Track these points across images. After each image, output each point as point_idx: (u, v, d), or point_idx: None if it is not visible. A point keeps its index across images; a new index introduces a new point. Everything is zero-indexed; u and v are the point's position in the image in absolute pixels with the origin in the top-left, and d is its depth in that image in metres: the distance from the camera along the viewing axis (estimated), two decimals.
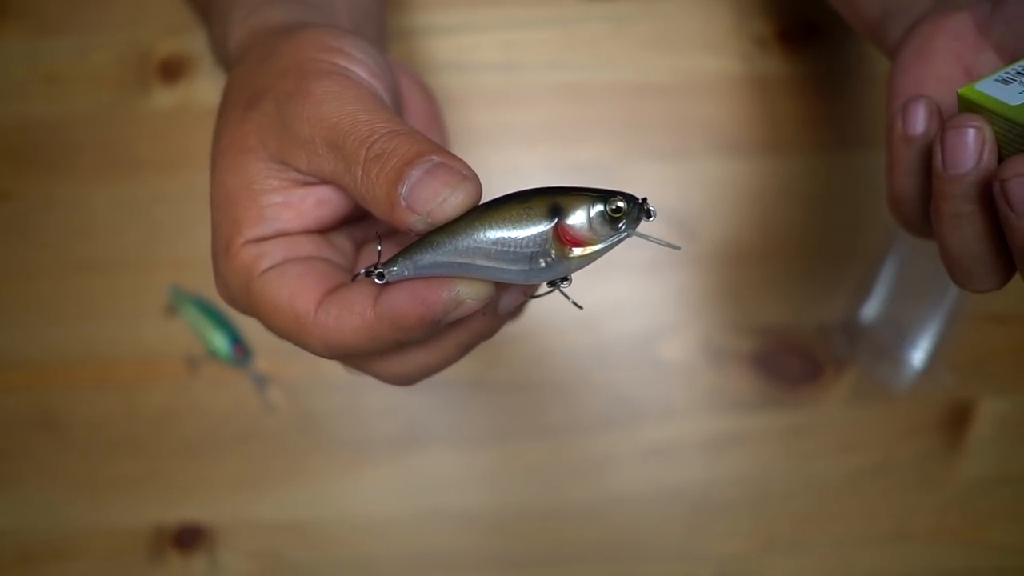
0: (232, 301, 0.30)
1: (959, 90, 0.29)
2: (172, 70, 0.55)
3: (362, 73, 0.29)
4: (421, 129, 0.32)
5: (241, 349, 0.52)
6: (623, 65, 0.55)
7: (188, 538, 0.53)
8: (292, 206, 0.28)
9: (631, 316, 0.54)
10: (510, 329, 0.54)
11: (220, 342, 0.52)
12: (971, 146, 0.27)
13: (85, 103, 0.55)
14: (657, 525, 0.53)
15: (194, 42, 0.55)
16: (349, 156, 0.26)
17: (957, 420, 0.54)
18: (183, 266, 0.54)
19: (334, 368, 0.53)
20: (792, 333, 0.54)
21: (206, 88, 0.55)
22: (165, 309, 0.53)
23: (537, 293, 0.29)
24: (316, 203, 0.28)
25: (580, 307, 0.28)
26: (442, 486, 0.53)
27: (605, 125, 0.55)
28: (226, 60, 0.34)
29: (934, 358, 0.52)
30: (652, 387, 0.54)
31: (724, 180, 0.54)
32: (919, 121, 0.30)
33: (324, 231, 0.29)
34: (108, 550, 0.52)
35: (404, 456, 0.53)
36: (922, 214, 0.32)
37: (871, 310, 0.52)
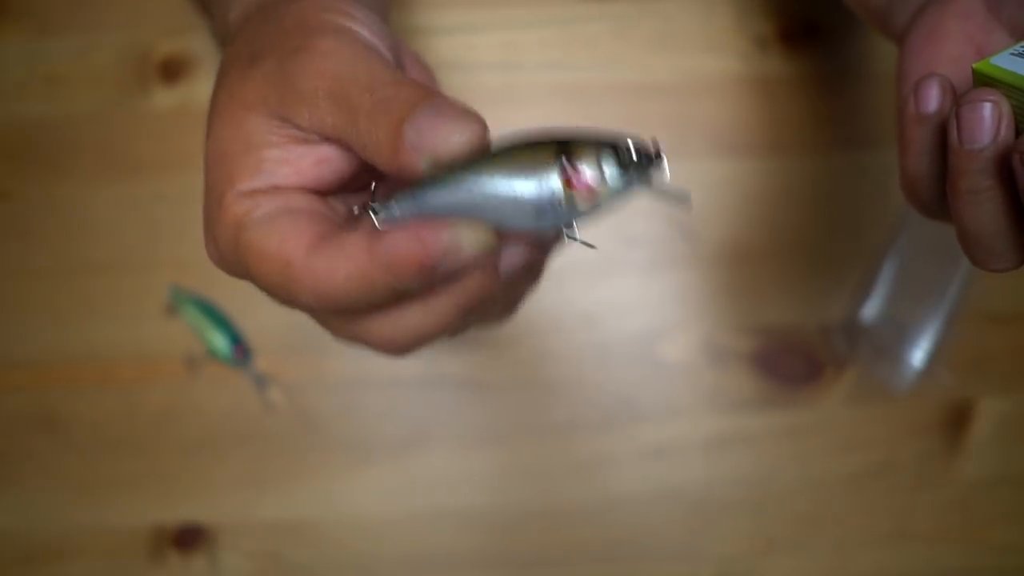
0: (221, 260, 0.29)
1: (974, 65, 0.29)
2: (172, 70, 0.55)
3: (365, 32, 0.28)
4: None
5: (241, 349, 0.52)
6: (623, 65, 0.55)
7: (188, 538, 0.52)
8: (290, 162, 0.27)
9: (631, 316, 0.54)
10: (510, 328, 0.54)
11: (220, 342, 0.52)
12: (988, 120, 0.27)
13: (85, 103, 0.55)
14: (657, 525, 0.53)
15: (194, 42, 0.55)
16: (353, 105, 0.25)
17: (957, 420, 0.54)
18: (183, 266, 0.54)
19: (335, 368, 0.53)
20: (792, 333, 0.54)
21: (206, 88, 0.54)
22: (165, 309, 0.53)
23: (550, 236, 0.27)
24: (315, 161, 0.28)
25: (593, 246, 0.27)
26: (442, 486, 0.53)
27: (605, 125, 0.55)
28: (227, 36, 0.34)
29: (934, 358, 0.52)
30: (652, 387, 0.54)
31: (724, 180, 0.54)
32: (932, 99, 0.30)
33: (320, 193, 0.29)
34: (108, 550, 0.52)
35: (404, 456, 0.53)
36: (937, 195, 0.31)
37: (871, 310, 0.52)
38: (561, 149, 0.25)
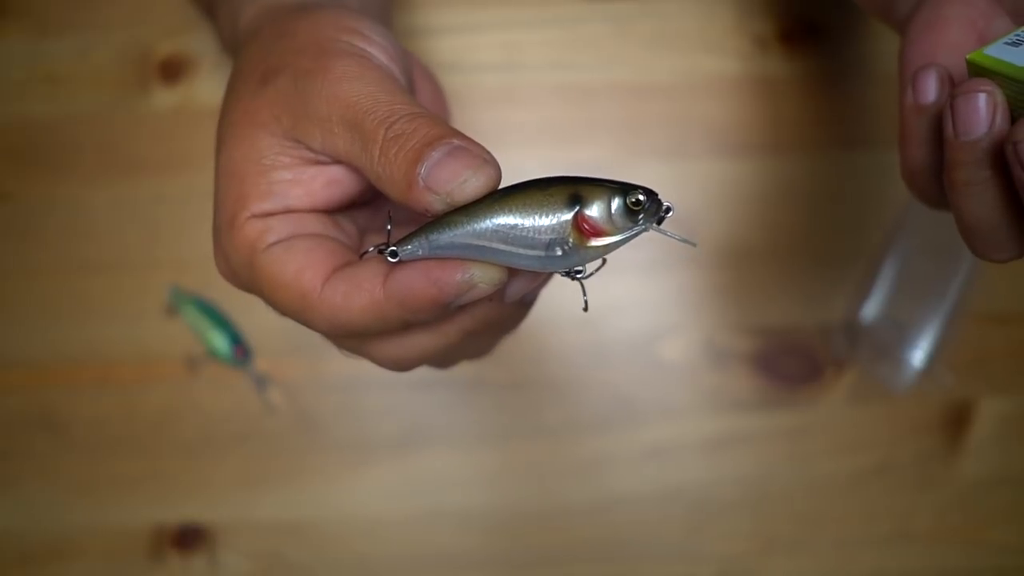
0: (233, 276, 0.29)
1: (968, 55, 0.29)
2: (172, 70, 0.55)
3: (381, 56, 0.28)
4: None
5: (241, 350, 0.52)
6: (623, 65, 0.55)
7: (188, 538, 0.53)
8: (302, 184, 0.28)
9: (631, 316, 0.54)
10: None
11: (220, 342, 0.52)
12: (982, 111, 0.27)
13: (85, 103, 0.55)
14: (657, 525, 0.53)
15: (194, 42, 0.55)
16: (367, 135, 0.25)
17: (957, 420, 0.54)
18: (183, 266, 0.54)
19: (334, 368, 0.53)
20: (792, 333, 0.54)
21: (206, 88, 0.55)
22: (165, 309, 0.53)
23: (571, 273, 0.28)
24: (326, 183, 0.28)
25: (585, 309, 0.28)
26: (442, 486, 0.53)
27: (605, 125, 0.55)
28: (235, 41, 0.34)
29: (934, 358, 0.52)
30: (652, 387, 0.54)
31: (724, 180, 0.54)
32: (930, 90, 0.30)
33: (331, 212, 0.29)
34: (108, 550, 0.52)
35: (404, 456, 0.53)
36: (937, 185, 0.31)
37: (871, 310, 0.52)
38: (573, 192, 0.25)
